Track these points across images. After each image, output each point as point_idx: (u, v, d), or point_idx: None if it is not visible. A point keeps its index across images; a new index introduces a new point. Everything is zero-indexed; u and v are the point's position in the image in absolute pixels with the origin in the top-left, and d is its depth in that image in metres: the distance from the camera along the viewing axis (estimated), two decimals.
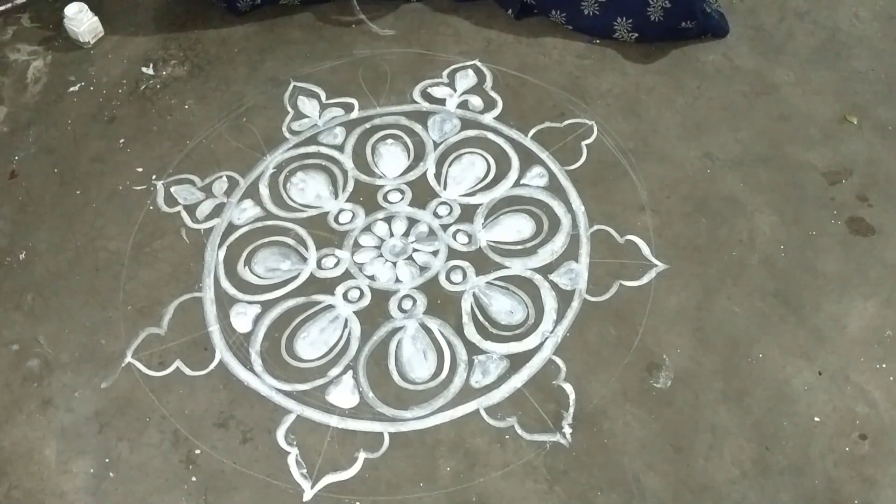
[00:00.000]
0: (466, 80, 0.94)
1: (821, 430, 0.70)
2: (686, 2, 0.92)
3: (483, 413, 0.71)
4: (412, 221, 0.83)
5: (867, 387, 0.72)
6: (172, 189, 0.85)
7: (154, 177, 0.84)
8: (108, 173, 0.86)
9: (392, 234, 0.82)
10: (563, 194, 0.84)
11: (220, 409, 0.71)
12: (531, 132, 0.89)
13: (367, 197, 0.85)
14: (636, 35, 0.95)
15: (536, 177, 0.86)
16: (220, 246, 0.82)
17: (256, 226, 0.83)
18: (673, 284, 0.78)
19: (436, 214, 0.83)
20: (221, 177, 0.86)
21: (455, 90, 0.93)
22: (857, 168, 0.86)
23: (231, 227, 0.83)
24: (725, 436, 0.69)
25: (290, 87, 0.94)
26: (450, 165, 0.87)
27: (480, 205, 0.84)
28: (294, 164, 0.88)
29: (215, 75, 0.88)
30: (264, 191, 0.85)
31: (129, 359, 0.74)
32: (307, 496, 0.67)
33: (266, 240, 0.82)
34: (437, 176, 0.86)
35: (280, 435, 0.70)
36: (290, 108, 0.92)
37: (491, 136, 0.89)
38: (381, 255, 0.81)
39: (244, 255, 0.81)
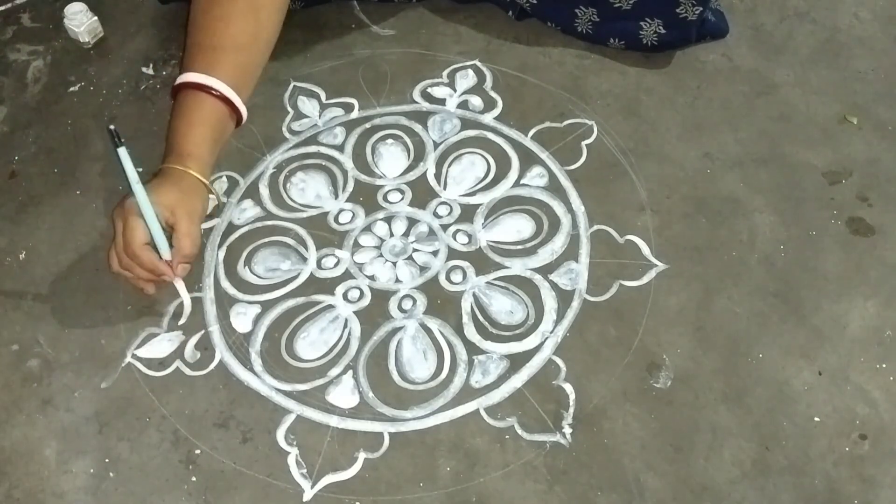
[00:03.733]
0: (466, 80, 0.94)
1: (821, 430, 0.70)
2: (681, 32, 0.92)
3: (483, 413, 0.71)
4: (412, 221, 0.83)
5: (867, 387, 0.72)
6: None
7: None
8: (108, 173, 0.86)
9: (392, 234, 0.82)
10: (563, 194, 0.84)
11: (220, 409, 0.71)
12: (531, 132, 0.89)
13: (367, 197, 0.85)
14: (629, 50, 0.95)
15: (536, 177, 0.86)
16: (219, 246, 0.82)
17: (256, 226, 0.83)
18: (673, 284, 0.78)
19: (436, 214, 0.83)
20: (221, 177, 0.86)
21: (455, 90, 0.93)
22: (857, 168, 0.86)
23: (231, 227, 0.83)
24: (725, 436, 0.69)
25: (290, 87, 0.94)
26: (450, 165, 0.87)
27: (480, 205, 0.84)
28: (294, 164, 0.88)
29: None
30: (264, 191, 0.85)
31: (129, 359, 0.74)
32: (307, 496, 0.67)
33: (266, 240, 0.82)
34: (437, 176, 0.86)
35: (280, 435, 0.70)
36: (290, 108, 0.92)
37: (491, 136, 0.89)
38: (381, 255, 0.81)
39: (244, 255, 0.81)
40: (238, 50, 0.79)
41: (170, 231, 0.73)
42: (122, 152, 0.69)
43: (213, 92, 0.76)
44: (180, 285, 0.75)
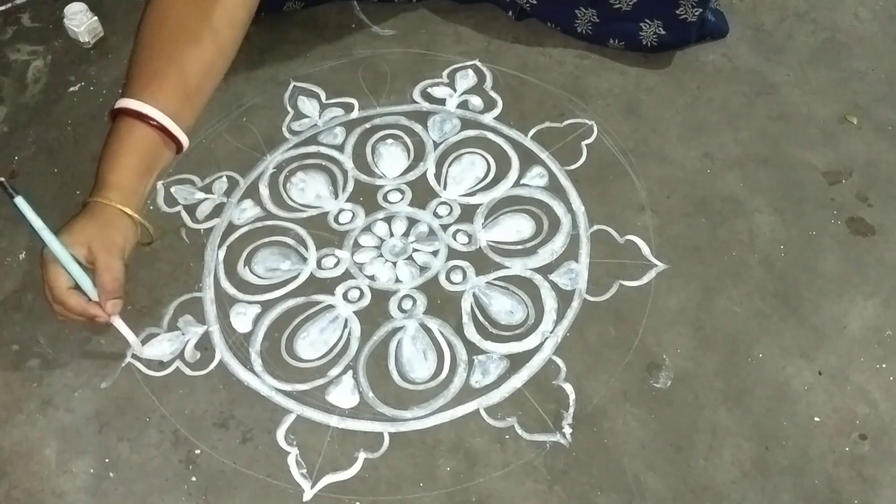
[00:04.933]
0: (466, 80, 0.94)
1: (821, 430, 0.70)
2: (681, 33, 0.92)
3: (483, 413, 0.71)
4: (412, 221, 0.83)
5: (867, 387, 0.72)
6: (172, 189, 0.85)
7: None
8: None
9: (392, 234, 0.82)
10: (563, 194, 0.84)
11: (220, 409, 0.71)
12: (531, 132, 0.89)
13: (367, 197, 0.85)
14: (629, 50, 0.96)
15: (536, 177, 0.86)
16: (219, 246, 0.82)
17: (256, 226, 0.83)
18: (673, 284, 0.78)
19: (436, 214, 0.83)
20: (221, 177, 0.86)
21: (455, 90, 0.93)
22: (857, 168, 0.87)
23: (231, 227, 0.83)
24: (725, 436, 0.69)
25: (290, 87, 0.94)
26: (450, 165, 0.87)
27: (480, 205, 0.84)
28: (294, 164, 0.88)
29: None
30: (264, 191, 0.85)
31: (129, 359, 0.74)
32: (307, 496, 0.67)
33: (266, 240, 0.82)
34: (437, 176, 0.86)
35: (280, 435, 0.70)
36: (290, 108, 0.92)
37: (491, 136, 0.89)
38: (381, 255, 0.81)
39: (244, 255, 0.81)
40: (187, 76, 0.74)
41: (91, 267, 0.70)
42: (21, 202, 0.67)
43: (151, 121, 0.72)
44: (118, 323, 0.71)
